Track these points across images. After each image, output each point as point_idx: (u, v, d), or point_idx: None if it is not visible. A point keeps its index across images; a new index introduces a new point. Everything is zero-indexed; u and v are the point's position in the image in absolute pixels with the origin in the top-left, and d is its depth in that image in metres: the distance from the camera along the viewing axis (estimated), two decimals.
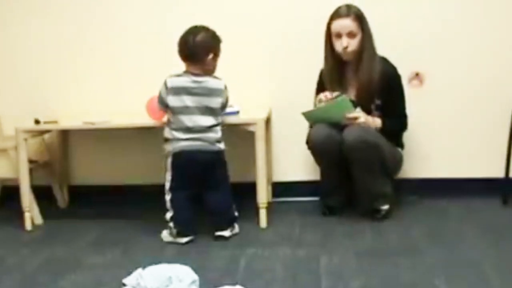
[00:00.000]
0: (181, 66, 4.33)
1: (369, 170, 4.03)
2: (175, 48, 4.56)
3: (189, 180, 3.84)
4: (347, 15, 4.03)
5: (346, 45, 4.04)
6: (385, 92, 4.09)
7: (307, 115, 4.07)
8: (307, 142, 4.08)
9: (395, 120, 4.17)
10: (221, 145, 3.89)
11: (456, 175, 4.52)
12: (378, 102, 4.11)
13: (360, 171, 4.05)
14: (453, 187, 4.47)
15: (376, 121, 4.09)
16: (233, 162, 4.37)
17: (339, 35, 4.05)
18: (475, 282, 3.07)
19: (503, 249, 3.51)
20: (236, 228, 3.93)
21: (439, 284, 3.05)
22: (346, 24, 4.02)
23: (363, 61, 4.08)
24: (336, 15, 4.06)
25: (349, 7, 4.07)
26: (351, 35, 4.03)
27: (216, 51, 3.88)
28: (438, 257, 3.40)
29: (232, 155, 4.17)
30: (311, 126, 4.11)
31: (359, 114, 4.00)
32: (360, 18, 4.05)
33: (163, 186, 4.18)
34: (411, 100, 4.28)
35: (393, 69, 4.15)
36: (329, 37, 4.10)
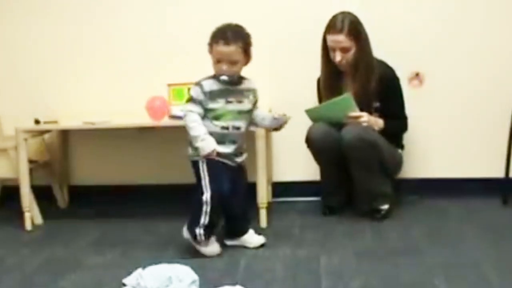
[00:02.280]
0: (182, 67, 4.37)
1: (367, 169, 4.03)
2: (175, 48, 4.60)
3: None
4: (340, 30, 4.01)
5: (340, 59, 4.05)
6: (383, 95, 4.10)
7: (310, 112, 4.07)
8: (306, 140, 4.08)
9: (395, 121, 4.17)
10: (189, 150, 3.58)
11: (456, 175, 4.52)
12: (377, 104, 4.12)
13: (358, 170, 4.06)
14: (453, 187, 4.48)
15: (378, 122, 4.09)
16: None
17: (333, 49, 4.06)
18: (475, 282, 3.07)
19: (503, 249, 3.51)
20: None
21: (439, 284, 3.04)
22: (339, 39, 4.02)
23: (359, 71, 4.09)
24: (331, 28, 4.06)
25: (343, 18, 4.05)
26: (344, 50, 4.04)
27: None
28: (438, 257, 3.40)
29: None
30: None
31: (362, 113, 4.00)
32: (354, 31, 4.03)
33: (163, 186, 4.18)
34: (411, 100, 4.28)
35: (391, 71, 4.15)
36: (325, 46, 4.11)
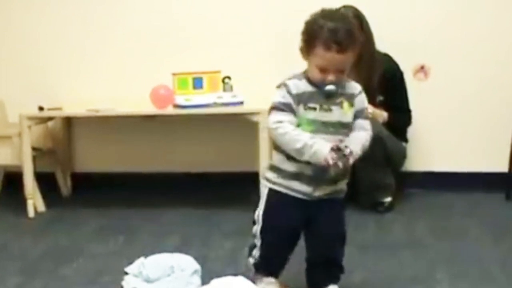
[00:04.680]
0: (187, 56, 4.33)
1: (371, 161, 4.01)
2: (179, 37, 4.57)
3: None
4: None
5: None
6: (387, 89, 4.11)
7: None
8: None
9: (399, 115, 4.17)
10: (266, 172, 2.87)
11: (460, 169, 4.51)
12: (380, 98, 4.12)
13: (362, 162, 4.02)
14: (457, 181, 4.46)
15: (383, 114, 4.10)
16: (236, 152, 4.39)
17: None
18: (478, 276, 3.07)
19: (505, 244, 3.50)
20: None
21: (442, 279, 3.04)
22: None
23: (362, 64, 4.07)
24: None
25: (346, 12, 4.01)
26: None
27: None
28: (441, 251, 3.40)
29: (235, 145, 4.18)
30: None
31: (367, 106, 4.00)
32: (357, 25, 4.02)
33: (166, 174, 4.16)
34: (416, 94, 4.28)
35: (395, 65, 4.17)
36: None
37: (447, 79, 4.46)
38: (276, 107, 2.67)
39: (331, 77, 2.60)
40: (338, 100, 2.66)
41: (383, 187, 4.12)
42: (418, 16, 4.43)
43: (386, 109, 4.12)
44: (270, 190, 2.78)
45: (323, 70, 2.61)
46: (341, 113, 2.67)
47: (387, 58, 4.15)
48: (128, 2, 4.65)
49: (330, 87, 2.62)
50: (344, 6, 4.07)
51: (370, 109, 4.01)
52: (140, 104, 4.20)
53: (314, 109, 2.64)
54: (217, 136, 4.62)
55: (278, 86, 2.72)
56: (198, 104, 4.11)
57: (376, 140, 3.96)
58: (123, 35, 4.66)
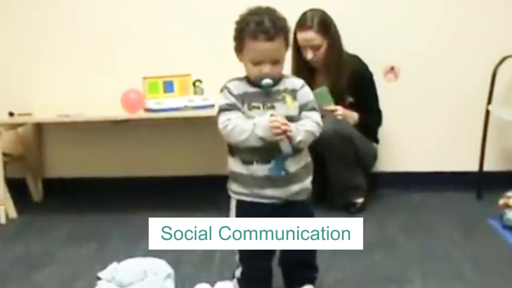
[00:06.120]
0: (157, 60, 4.32)
1: (342, 162, 4.04)
2: (149, 40, 4.55)
3: None
4: (310, 26, 4.03)
5: (311, 56, 4.07)
6: (356, 90, 4.13)
7: None
8: None
9: (369, 116, 4.19)
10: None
11: (431, 168, 4.54)
12: (350, 99, 4.14)
13: (334, 164, 4.07)
14: (428, 181, 4.49)
15: (353, 115, 4.12)
16: (208, 155, 4.39)
17: (304, 47, 4.08)
18: (450, 275, 3.09)
19: (476, 242, 3.53)
20: None
21: (414, 278, 3.07)
22: (309, 37, 4.04)
23: (331, 67, 4.10)
24: (300, 25, 4.07)
25: (313, 15, 4.07)
26: (315, 47, 4.06)
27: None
28: (413, 251, 3.42)
29: (206, 148, 4.17)
30: None
31: (338, 107, 4.02)
32: (324, 27, 4.06)
33: (137, 178, 4.12)
34: (387, 95, 4.30)
35: (364, 66, 4.18)
36: (296, 42, 4.10)
37: (417, 79, 4.49)
38: (222, 109, 2.74)
39: (266, 69, 2.64)
40: (280, 96, 2.71)
41: (354, 188, 4.13)
42: (388, 17, 4.45)
43: (356, 110, 4.14)
44: (238, 201, 2.79)
45: (257, 63, 2.65)
46: (285, 108, 2.70)
47: (356, 59, 4.17)
48: (97, 6, 4.62)
49: (266, 81, 2.65)
50: (312, 9, 4.09)
51: (341, 110, 4.05)
52: (110, 108, 4.19)
53: (258, 108, 2.70)
54: (188, 140, 4.62)
55: (221, 90, 2.76)
56: (169, 107, 4.10)
57: (347, 141, 4.00)
58: (93, 40, 4.63)
